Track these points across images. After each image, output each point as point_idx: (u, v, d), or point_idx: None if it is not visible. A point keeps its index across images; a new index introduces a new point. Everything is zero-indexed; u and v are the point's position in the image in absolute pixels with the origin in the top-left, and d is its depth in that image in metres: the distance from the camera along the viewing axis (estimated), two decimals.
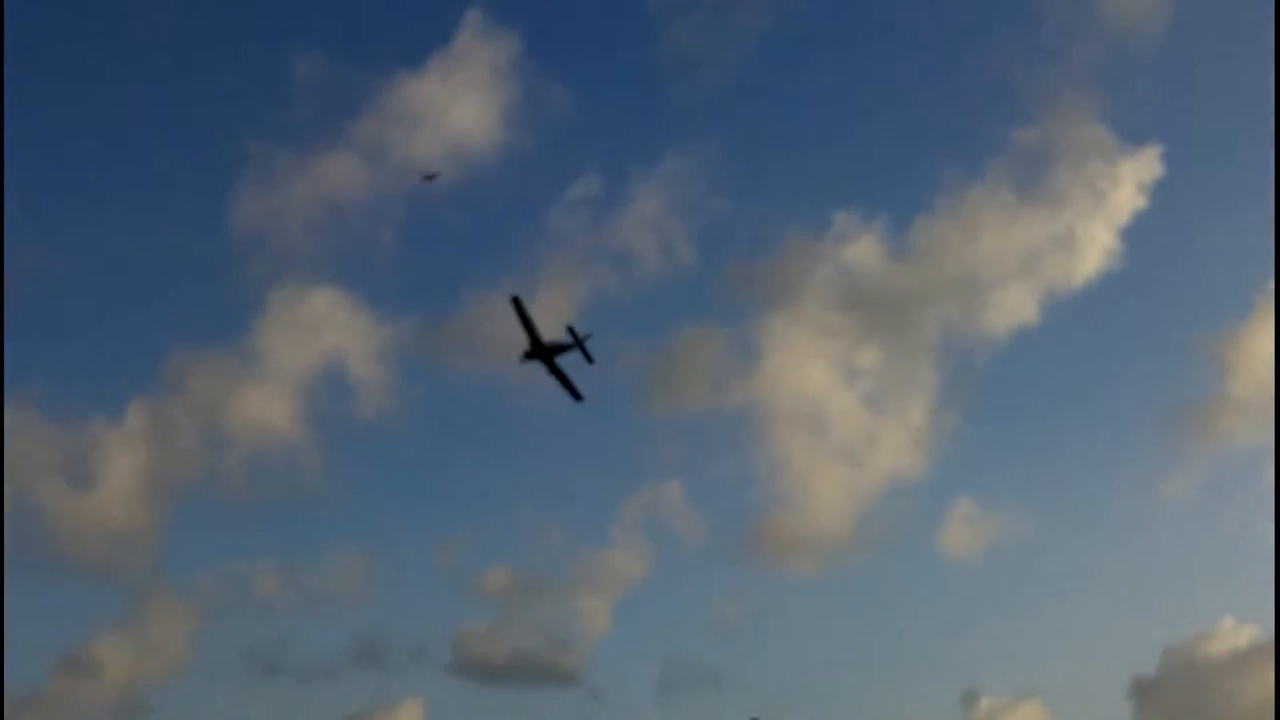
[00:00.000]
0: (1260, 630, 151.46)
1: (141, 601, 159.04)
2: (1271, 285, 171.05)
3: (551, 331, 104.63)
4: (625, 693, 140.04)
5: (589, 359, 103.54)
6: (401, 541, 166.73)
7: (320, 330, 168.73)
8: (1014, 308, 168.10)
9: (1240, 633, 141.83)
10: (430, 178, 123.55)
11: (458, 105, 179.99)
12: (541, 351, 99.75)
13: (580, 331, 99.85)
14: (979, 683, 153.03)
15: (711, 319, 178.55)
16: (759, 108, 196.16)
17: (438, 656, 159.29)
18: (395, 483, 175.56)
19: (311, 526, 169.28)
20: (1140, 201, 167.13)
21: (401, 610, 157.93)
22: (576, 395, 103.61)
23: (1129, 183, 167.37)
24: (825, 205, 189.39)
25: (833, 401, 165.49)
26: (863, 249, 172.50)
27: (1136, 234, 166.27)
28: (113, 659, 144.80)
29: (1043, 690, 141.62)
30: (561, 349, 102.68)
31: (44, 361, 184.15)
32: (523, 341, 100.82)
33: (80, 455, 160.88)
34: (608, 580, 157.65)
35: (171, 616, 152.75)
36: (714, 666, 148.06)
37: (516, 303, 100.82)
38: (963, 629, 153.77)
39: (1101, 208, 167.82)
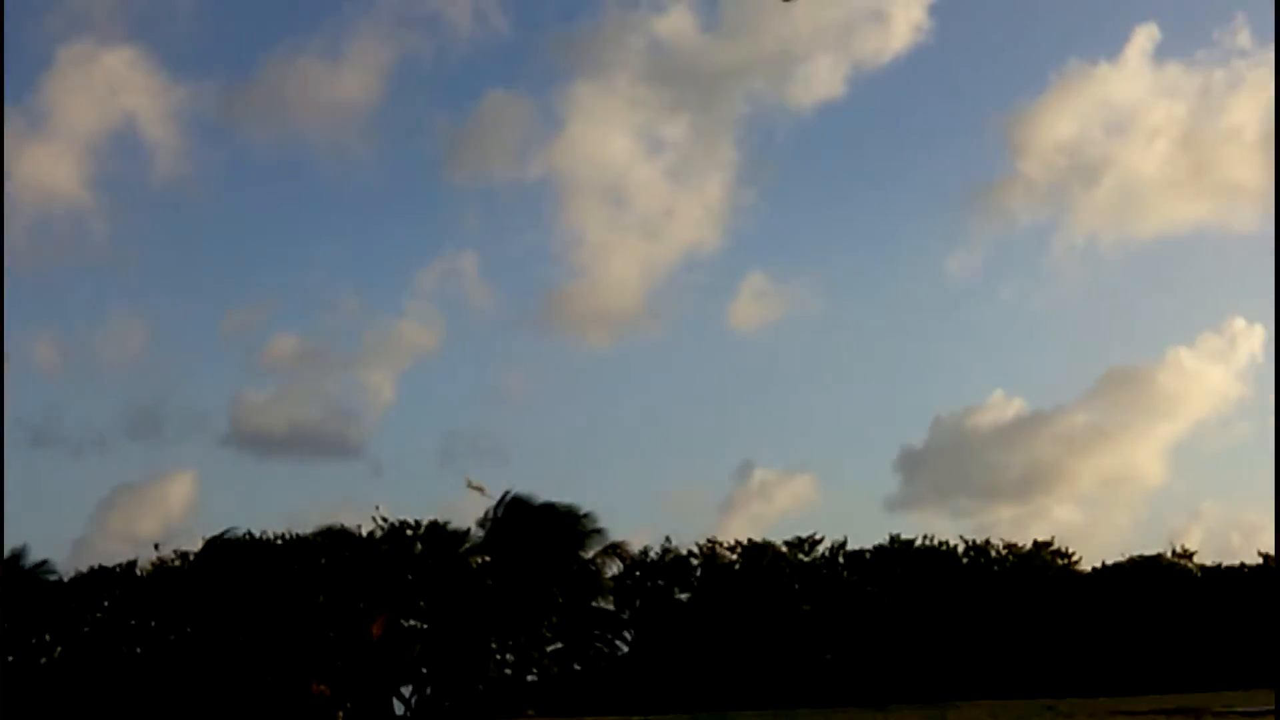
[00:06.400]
0: (1026, 403, 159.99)
1: None
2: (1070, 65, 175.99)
3: None
4: (406, 465, 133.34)
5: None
6: (189, 311, 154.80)
7: (113, 90, 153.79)
8: (821, 83, 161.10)
9: (1009, 405, 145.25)
10: None
11: None
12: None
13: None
14: (755, 456, 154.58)
15: (519, 88, 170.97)
16: None
17: (216, 428, 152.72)
18: (186, 251, 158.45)
19: (95, 294, 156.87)
20: None
21: (183, 381, 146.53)
22: None
23: None
24: None
25: (633, 174, 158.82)
26: (676, 19, 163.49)
27: (947, 10, 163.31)
28: None
29: (815, 463, 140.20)
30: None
31: None
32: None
33: None
34: (396, 351, 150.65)
35: None
36: (498, 439, 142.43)
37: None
38: (745, 403, 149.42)
39: None
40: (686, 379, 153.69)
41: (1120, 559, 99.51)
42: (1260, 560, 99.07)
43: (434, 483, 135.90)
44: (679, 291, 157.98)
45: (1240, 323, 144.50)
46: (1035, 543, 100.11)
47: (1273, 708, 55.53)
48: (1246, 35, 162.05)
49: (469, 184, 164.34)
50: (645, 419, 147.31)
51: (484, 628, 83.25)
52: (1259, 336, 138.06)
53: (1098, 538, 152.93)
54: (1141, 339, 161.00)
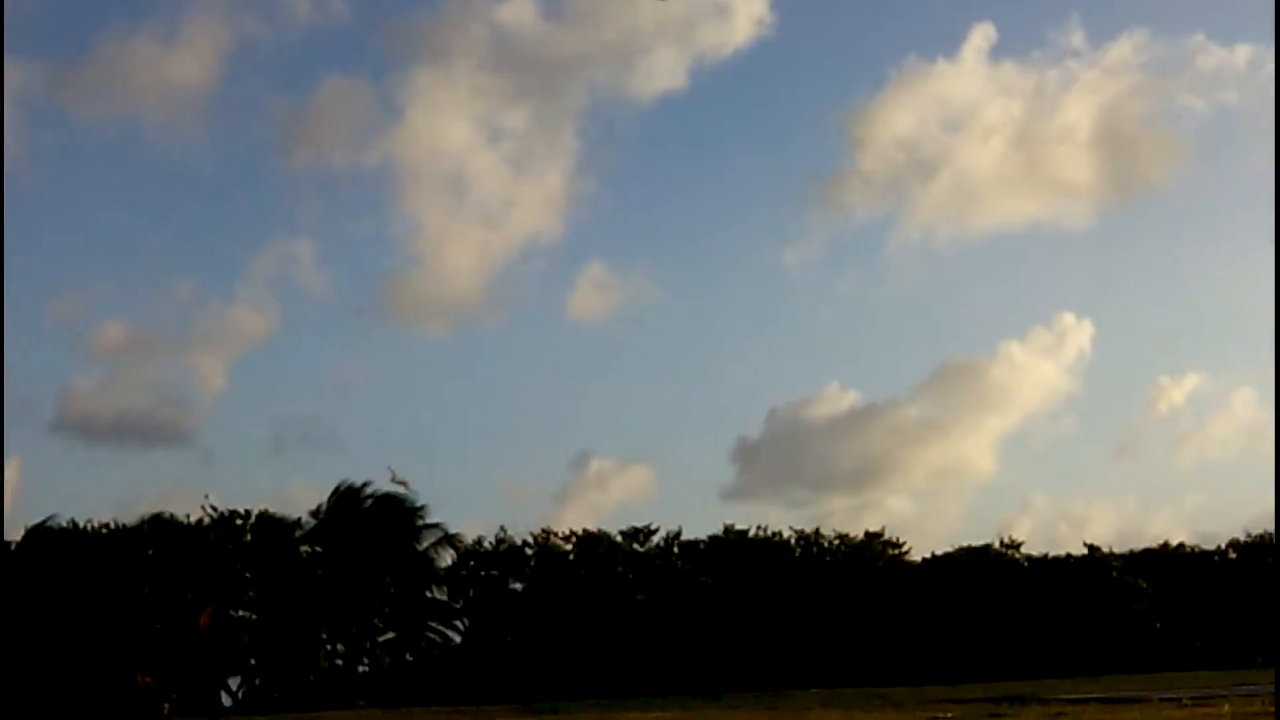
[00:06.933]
0: (861, 395, 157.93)
1: None
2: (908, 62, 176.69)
3: None
4: (238, 453, 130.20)
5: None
6: (14, 295, 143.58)
7: None
8: (663, 74, 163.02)
9: (844, 397, 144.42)
10: None
11: None
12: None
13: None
14: (591, 447, 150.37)
15: (358, 73, 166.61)
16: None
17: (41, 415, 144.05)
18: (11, 232, 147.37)
19: None
20: None
21: (6, 366, 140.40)
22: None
23: None
24: None
25: (473, 163, 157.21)
26: (518, 7, 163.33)
27: (788, 4, 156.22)
28: None
29: (651, 454, 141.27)
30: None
31: None
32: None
33: None
34: (229, 338, 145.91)
35: None
36: (333, 427, 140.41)
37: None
38: (582, 393, 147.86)
39: None
40: (524, 369, 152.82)
41: (950, 549, 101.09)
42: (1085, 551, 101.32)
43: (266, 472, 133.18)
44: (518, 281, 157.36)
45: (1070, 318, 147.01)
46: (866, 533, 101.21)
47: (1097, 695, 56.60)
48: (1080, 36, 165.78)
49: (306, 170, 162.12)
50: (482, 409, 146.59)
51: (315, 618, 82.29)
52: (1087, 332, 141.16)
53: (929, 528, 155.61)
54: (974, 333, 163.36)
